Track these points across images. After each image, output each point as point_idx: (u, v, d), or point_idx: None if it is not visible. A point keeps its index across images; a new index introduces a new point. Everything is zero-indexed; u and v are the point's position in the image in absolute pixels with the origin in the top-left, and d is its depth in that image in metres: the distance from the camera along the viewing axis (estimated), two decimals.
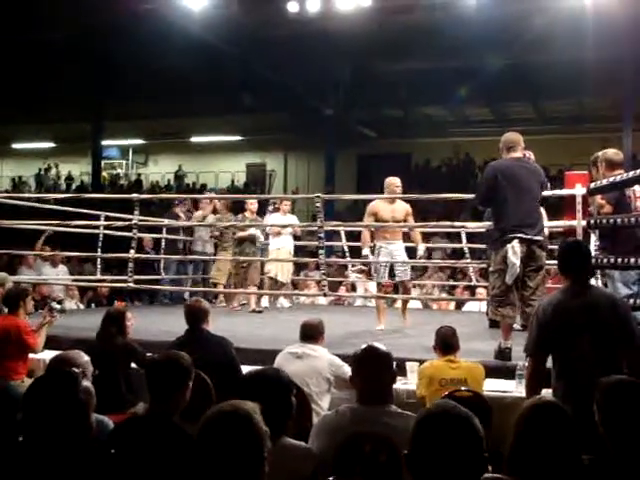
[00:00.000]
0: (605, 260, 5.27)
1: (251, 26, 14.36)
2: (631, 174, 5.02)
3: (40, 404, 2.47)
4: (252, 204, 9.38)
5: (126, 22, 14.22)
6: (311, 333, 4.76)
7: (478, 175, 19.32)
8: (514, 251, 5.18)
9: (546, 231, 5.79)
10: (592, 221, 5.53)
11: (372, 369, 2.97)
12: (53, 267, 10.48)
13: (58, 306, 6.33)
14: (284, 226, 9.19)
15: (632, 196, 5.49)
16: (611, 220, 5.24)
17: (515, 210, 5.28)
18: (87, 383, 2.67)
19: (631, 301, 5.09)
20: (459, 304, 10.76)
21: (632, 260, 4.89)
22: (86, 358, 3.44)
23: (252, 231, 9.13)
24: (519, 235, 5.22)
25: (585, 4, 11.77)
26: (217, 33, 14.40)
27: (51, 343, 5.81)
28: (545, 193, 5.67)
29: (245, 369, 4.41)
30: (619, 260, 5.10)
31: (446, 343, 4.63)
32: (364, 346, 3.10)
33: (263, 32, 14.73)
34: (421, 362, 4.76)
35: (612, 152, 5.82)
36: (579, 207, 5.64)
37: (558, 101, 19.45)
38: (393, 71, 16.99)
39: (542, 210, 5.85)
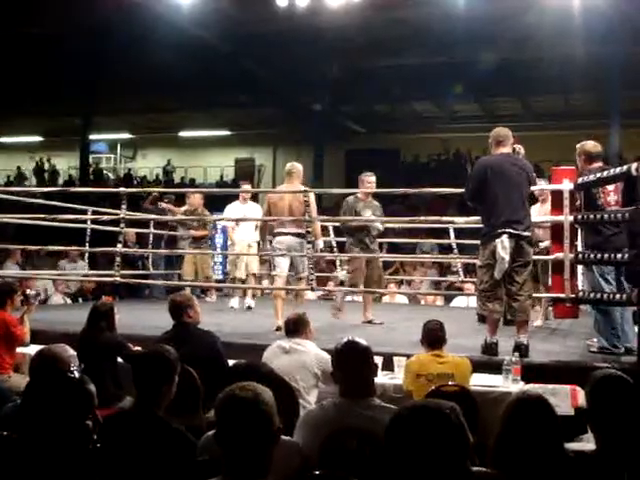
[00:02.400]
0: (587, 256, 5.32)
1: (240, 21, 14.30)
2: (617, 170, 5.07)
3: (42, 406, 2.45)
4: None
5: (115, 16, 14.13)
6: (295, 327, 4.76)
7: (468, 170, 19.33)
8: (503, 246, 5.22)
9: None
10: (579, 216, 5.56)
11: (352, 363, 2.99)
12: (72, 263, 10.67)
13: (33, 292, 6.30)
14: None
15: (601, 192, 5.53)
16: (598, 216, 5.28)
17: (504, 206, 5.32)
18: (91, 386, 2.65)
19: (611, 296, 5.14)
20: (447, 299, 10.80)
21: (611, 255, 4.96)
22: (71, 352, 3.43)
23: None
24: (508, 230, 5.25)
25: (573, 1, 11.80)
26: (206, 28, 14.34)
27: (38, 337, 5.79)
28: (533, 188, 5.71)
29: (232, 363, 4.40)
30: (599, 256, 5.16)
31: (433, 337, 4.64)
32: (344, 340, 3.11)
33: (252, 27, 14.66)
34: (408, 357, 4.78)
35: (590, 144, 5.92)
36: (566, 202, 5.66)
37: (546, 97, 19.50)
38: (382, 67, 16.98)
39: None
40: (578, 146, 5.95)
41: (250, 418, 2.12)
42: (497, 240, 5.24)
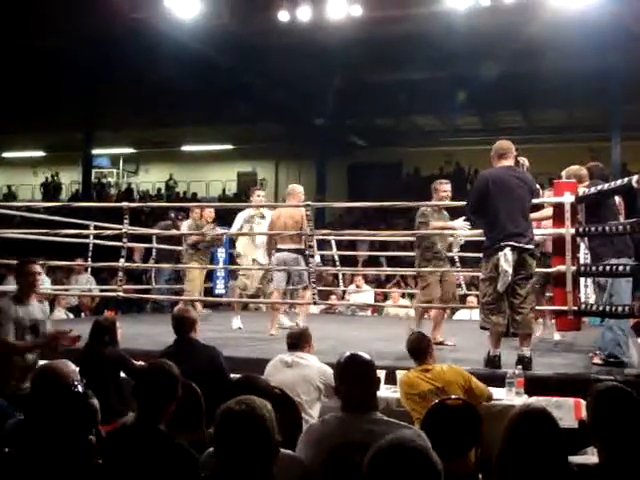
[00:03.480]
0: (590, 268, 5.33)
1: (242, 35, 14.38)
2: (618, 182, 5.09)
3: (46, 422, 2.45)
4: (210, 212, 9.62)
5: (117, 31, 14.22)
6: (296, 342, 4.75)
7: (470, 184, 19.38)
8: (506, 259, 5.21)
9: (537, 238, 5.83)
10: (580, 229, 5.57)
11: (355, 377, 2.96)
12: (78, 275, 10.71)
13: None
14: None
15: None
16: (600, 228, 5.29)
17: (506, 219, 5.32)
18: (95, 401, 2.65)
19: (614, 309, 5.14)
20: (450, 312, 10.76)
21: (613, 267, 4.98)
22: (73, 367, 3.42)
23: None
24: (511, 243, 5.25)
25: (573, 15, 11.85)
26: (208, 43, 14.42)
27: (40, 353, 5.77)
28: (535, 201, 5.72)
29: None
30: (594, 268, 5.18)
31: (416, 351, 4.56)
32: (347, 354, 3.09)
33: (254, 41, 14.75)
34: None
35: (575, 168, 6.07)
36: (567, 215, 5.67)
37: (547, 111, 19.57)
38: (384, 80, 17.05)
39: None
40: (563, 173, 6.12)
41: (247, 431, 2.10)
42: (500, 253, 5.24)
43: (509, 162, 5.56)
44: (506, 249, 5.23)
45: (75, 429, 2.45)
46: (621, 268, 5.01)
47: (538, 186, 5.81)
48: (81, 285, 10.72)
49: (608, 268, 5.14)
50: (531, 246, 5.37)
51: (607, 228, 5.19)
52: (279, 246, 7.52)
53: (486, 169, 5.76)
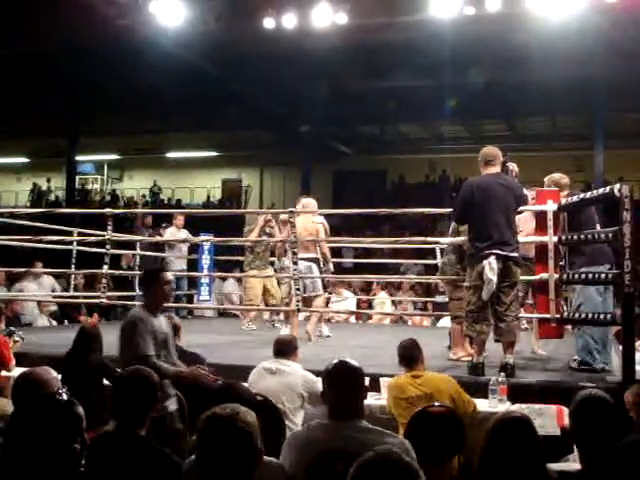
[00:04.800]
0: (572, 275, 5.37)
1: (227, 42, 14.36)
2: (600, 191, 5.13)
3: (30, 431, 2.42)
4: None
5: (102, 37, 14.17)
6: (285, 349, 4.74)
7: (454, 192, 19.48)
8: (491, 267, 5.21)
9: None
10: (563, 237, 5.60)
11: (343, 384, 2.95)
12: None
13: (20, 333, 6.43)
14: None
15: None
16: (582, 236, 5.32)
17: (491, 227, 5.32)
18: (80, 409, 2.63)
19: (596, 316, 5.18)
20: (434, 320, 10.80)
21: (595, 275, 5.02)
22: (54, 374, 3.39)
23: None
24: (496, 252, 5.25)
25: (557, 25, 11.94)
26: (194, 49, 14.40)
27: (22, 360, 5.74)
28: (522, 208, 5.73)
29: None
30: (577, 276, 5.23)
31: (407, 357, 4.57)
32: (335, 361, 3.08)
33: (239, 48, 14.73)
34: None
35: (557, 176, 6.10)
36: (550, 223, 5.70)
37: (531, 119, 19.71)
38: (369, 88, 17.09)
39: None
40: (546, 178, 6.14)
41: (230, 438, 2.10)
42: (485, 262, 5.24)
43: (496, 169, 5.56)
44: (491, 257, 5.24)
45: (60, 438, 2.43)
46: (603, 276, 5.04)
47: (526, 192, 5.80)
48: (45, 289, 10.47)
49: (590, 276, 5.18)
50: (516, 254, 5.38)
51: (589, 236, 5.22)
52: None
53: (472, 177, 5.76)
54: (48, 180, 26.39)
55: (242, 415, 2.15)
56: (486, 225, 5.34)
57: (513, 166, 6.05)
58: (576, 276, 5.38)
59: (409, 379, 4.41)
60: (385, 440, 2.69)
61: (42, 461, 2.36)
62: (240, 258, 9.92)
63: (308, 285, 7.66)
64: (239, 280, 10.99)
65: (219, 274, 10.99)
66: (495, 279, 5.22)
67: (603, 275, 5.04)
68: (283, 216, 7.98)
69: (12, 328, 6.46)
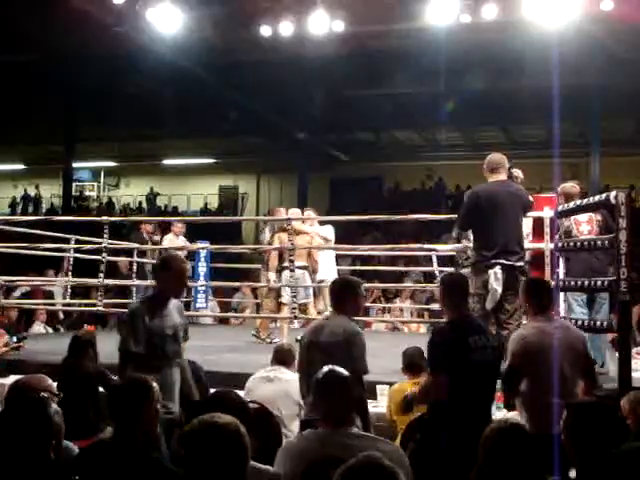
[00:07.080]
0: (568, 283, 5.38)
1: (224, 50, 14.37)
2: (597, 198, 5.14)
3: (9, 429, 2.43)
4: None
5: (99, 45, 14.18)
6: (284, 358, 4.76)
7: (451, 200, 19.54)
8: (496, 277, 5.13)
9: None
10: (560, 244, 5.60)
11: (333, 392, 2.96)
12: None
13: (14, 339, 6.48)
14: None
15: (574, 223, 5.65)
16: (578, 243, 5.33)
17: (498, 236, 5.23)
18: (55, 407, 2.63)
19: (592, 323, 5.18)
20: (430, 327, 10.80)
21: (591, 282, 5.03)
22: (49, 382, 3.38)
23: None
24: (501, 261, 5.17)
25: (554, 33, 11.97)
26: (190, 57, 14.41)
27: (18, 368, 5.73)
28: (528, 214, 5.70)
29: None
30: (573, 283, 5.23)
31: (413, 364, 4.60)
32: (325, 369, 3.08)
33: (236, 56, 14.76)
34: (391, 385, 4.75)
35: (569, 185, 6.05)
36: (547, 230, 5.70)
37: (527, 126, 19.74)
38: (365, 95, 17.13)
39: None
40: (560, 188, 6.08)
41: (206, 447, 2.08)
42: (490, 272, 5.15)
43: (502, 176, 5.46)
44: (496, 267, 5.15)
45: (34, 444, 2.44)
46: (599, 283, 5.04)
47: (531, 198, 5.74)
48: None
49: (587, 283, 5.17)
50: (521, 263, 5.28)
51: (586, 244, 5.23)
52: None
53: (471, 184, 5.75)
54: (37, 187, 26.34)
55: (224, 423, 2.14)
56: (492, 234, 5.24)
57: (518, 172, 5.94)
58: (572, 283, 5.38)
59: (413, 386, 4.44)
60: (378, 447, 2.69)
61: (14, 469, 2.37)
62: (240, 266, 9.91)
63: (301, 292, 7.75)
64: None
65: (217, 283, 10.97)
66: (500, 289, 5.13)
67: (599, 283, 5.03)
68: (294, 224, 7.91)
69: (25, 334, 6.56)
